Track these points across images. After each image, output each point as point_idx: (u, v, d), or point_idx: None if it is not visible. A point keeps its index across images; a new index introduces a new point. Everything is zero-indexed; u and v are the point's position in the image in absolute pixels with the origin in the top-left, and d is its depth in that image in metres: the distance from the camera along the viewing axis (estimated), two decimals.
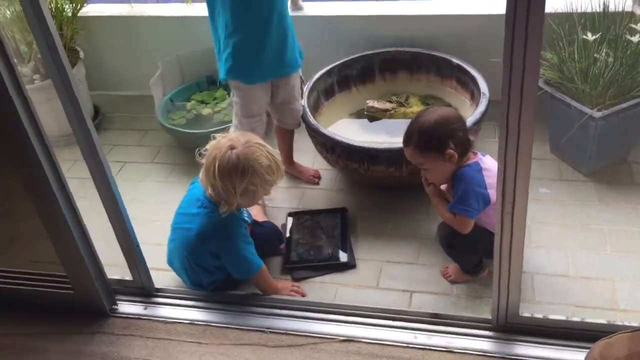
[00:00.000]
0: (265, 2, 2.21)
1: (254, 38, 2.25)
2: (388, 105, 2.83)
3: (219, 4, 2.23)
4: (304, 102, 2.63)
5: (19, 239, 2.29)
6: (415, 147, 2.02)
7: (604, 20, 2.51)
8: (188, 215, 2.13)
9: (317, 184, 2.71)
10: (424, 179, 2.10)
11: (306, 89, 2.72)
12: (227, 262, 2.10)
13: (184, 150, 3.00)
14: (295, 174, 2.73)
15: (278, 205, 2.61)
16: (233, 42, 2.26)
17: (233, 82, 2.37)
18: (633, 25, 2.40)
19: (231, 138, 2.01)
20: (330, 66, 2.87)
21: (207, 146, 2.04)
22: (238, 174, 1.94)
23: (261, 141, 2.03)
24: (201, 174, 2.06)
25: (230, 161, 1.95)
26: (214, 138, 2.07)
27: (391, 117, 2.80)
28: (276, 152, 2.05)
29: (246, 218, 2.15)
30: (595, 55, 2.39)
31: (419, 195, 2.25)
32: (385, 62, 2.95)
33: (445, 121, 2.00)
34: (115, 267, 2.17)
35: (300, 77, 2.53)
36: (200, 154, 2.05)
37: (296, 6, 3.10)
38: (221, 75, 2.36)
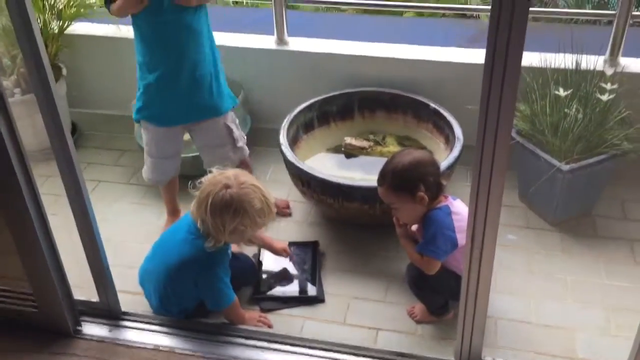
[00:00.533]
0: (174, 47, 2.27)
1: (161, 82, 2.31)
2: (365, 144, 2.89)
3: (137, 42, 2.33)
4: (282, 135, 2.67)
5: None
6: (387, 187, 2.08)
7: (575, 77, 2.62)
8: (174, 239, 2.13)
9: (290, 215, 2.72)
10: (396, 219, 2.15)
11: (286, 122, 2.76)
12: (203, 292, 2.10)
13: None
14: None
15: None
16: (144, 84, 2.35)
17: (143, 123, 2.45)
18: (603, 85, 2.51)
19: (228, 176, 2.02)
20: (311, 101, 2.92)
21: (203, 179, 2.06)
22: (230, 214, 1.96)
23: (257, 183, 2.05)
24: (192, 207, 2.07)
25: (224, 200, 1.97)
26: (211, 172, 2.08)
27: (368, 155, 2.86)
28: (270, 195, 2.07)
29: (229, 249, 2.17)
30: (566, 110, 2.49)
31: (390, 234, 2.29)
32: (365, 100, 3.02)
33: (419, 164, 2.06)
34: (82, 288, 2.14)
35: (227, 126, 2.47)
36: (194, 186, 2.07)
37: (282, 41, 3.17)
38: (134, 115, 2.45)
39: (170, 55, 2.28)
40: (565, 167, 2.41)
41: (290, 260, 2.43)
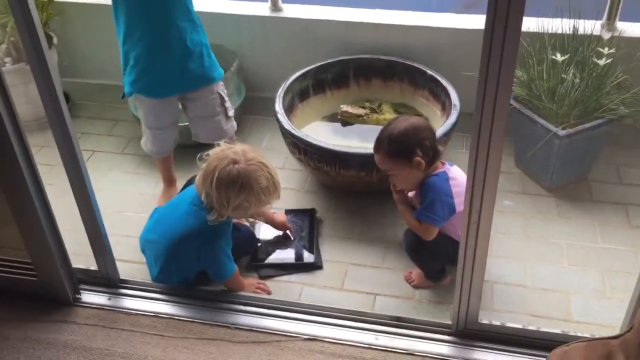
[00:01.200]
0: (161, 13, 2.21)
1: (152, 52, 2.26)
2: (361, 111, 2.87)
3: (119, 11, 2.25)
4: (278, 103, 2.65)
5: None
6: (384, 153, 2.08)
7: (573, 42, 2.60)
8: (178, 210, 2.12)
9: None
10: (393, 186, 2.15)
11: (281, 90, 2.74)
12: (205, 263, 2.10)
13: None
14: None
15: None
16: (134, 55, 2.28)
17: (137, 96, 2.40)
18: (600, 49, 2.50)
19: (236, 152, 2.00)
20: (306, 69, 2.90)
21: (210, 152, 2.04)
22: (235, 190, 1.96)
23: (264, 160, 2.03)
24: (198, 179, 2.06)
25: (230, 175, 1.95)
26: (218, 145, 2.07)
27: (364, 122, 2.85)
28: (276, 174, 2.06)
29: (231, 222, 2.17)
30: (563, 75, 2.48)
31: (387, 201, 2.30)
32: (361, 68, 3.00)
33: (415, 130, 2.05)
34: (80, 256, 2.15)
35: (220, 95, 2.45)
36: (200, 158, 2.05)
37: (276, 7, 3.12)
38: (125, 89, 2.39)
39: (157, 22, 2.22)
40: (562, 132, 2.41)
41: (289, 232, 2.44)
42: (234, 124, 2.55)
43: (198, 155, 2.09)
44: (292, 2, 3.20)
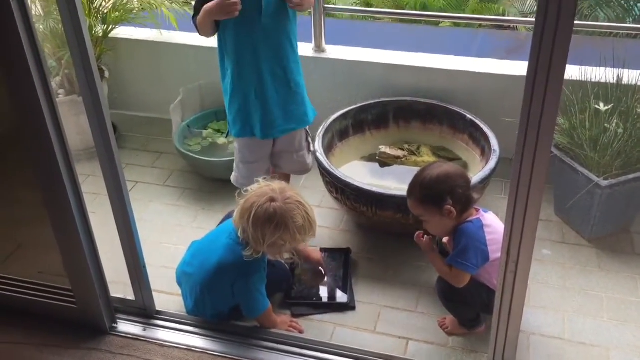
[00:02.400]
0: (274, 55, 2.24)
1: (261, 97, 2.29)
2: (400, 153, 2.89)
3: (226, 62, 2.30)
4: (317, 142, 2.69)
5: (27, 247, 2.33)
6: (416, 199, 2.09)
7: (616, 91, 2.58)
8: (216, 243, 2.15)
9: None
10: (417, 237, 2.15)
11: (322, 129, 2.78)
12: (239, 298, 2.12)
13: (196, 175, 3.06)
14: None
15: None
16: (240, 99, 2.31)
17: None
18: None
19: (274, 189, 2.04)
20: (347, 109, 2.94)
21: (249, 188, 2.09)
22: (271, 227, 1.98)
23: (301, 199, 2.06)
24: (235, 214, 2.10)
25: (267, 213, 1.98)
26: (257, 182, 2.11)
27: (402, 164, 2.86)
28: (312, 213, 2.08)
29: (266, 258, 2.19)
30: (606, 125, 2.45)
31: None
32: (401, 110, 3.03)
33: (447, 178, 2.05)
34: (118, 285, 2.19)
35: (306, 131, 2.50)
36: (239, 194, 2.10)
37: (319, 48, 3.19)
38: (231, 130, 2.42)
39: (267, 63, 2.24)
40: (604, 183, 2.38)
41: (324, 270, 2.44)
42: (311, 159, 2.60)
43: (237, 191, 2.13)
44: (335, 43, 3.27)
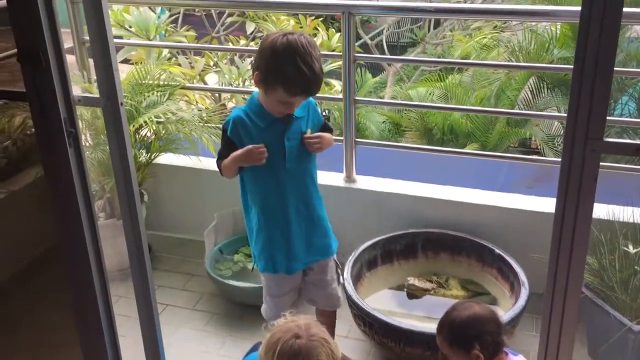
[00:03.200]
0: (297, 194, 2.33)
1: (277, 233, 2.34)
2: (428, 285, 2.89)
3: (250, 201, 2.38)
4: (346, 271, 2.71)
5: None
6: (443, 339, 2.08)
7: None
8: None
9: None
10: None
11: (351, 258, 2.82)
12: None
13: (225, 300, 3.08)
14: None
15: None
16: (265, 236, 2.36)
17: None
18: None
19: (299, 325, 2.05)
20: (376, 239, 2.99)
21: (275, 322, 2.11)
22: None
23: (326, 336, 2.06)
24: (261, 350, 2.10)
25: (292, 350, 1.98)
26: (284, 316, 2.13)
27: (430, 296, 2.85)
28: (338, 350, 2.07)
29: None
30: (636, 267, 2.44)
31: None
32: (429, 241, 3.06)
33: (476, 322, 2.04)
34: None
35: (335, 261, 2.52)
36: (265, 328, 2.11)
37: (350, 179, 3.30)
38: (259, 267, 2.44)
39: (292, 202, 2.32)
40: (637, 327, 2.32)
41: None
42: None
43: (263, 325, 2.13)
44: (365, 170, 3.38)
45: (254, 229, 2.40)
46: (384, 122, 8.41)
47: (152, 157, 3.29)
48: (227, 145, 2.30)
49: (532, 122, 7.64)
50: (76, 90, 1.74)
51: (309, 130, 2.30)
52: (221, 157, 2.33)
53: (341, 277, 2.58)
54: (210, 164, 3.54)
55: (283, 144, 2.26)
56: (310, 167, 2.38)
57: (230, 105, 5.67)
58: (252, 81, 2.26)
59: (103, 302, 1.94)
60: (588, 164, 1.32)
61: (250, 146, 2.22)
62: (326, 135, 2.36)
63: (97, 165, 3.01)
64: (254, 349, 2.29)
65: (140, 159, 3.21)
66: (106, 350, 1.95)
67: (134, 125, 3.06)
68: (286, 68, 2.13)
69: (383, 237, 3.02)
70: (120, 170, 1.80)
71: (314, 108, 2.38)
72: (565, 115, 1.36)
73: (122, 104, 1.71)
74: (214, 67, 5.30)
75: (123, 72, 3.61)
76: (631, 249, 2.46)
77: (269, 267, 2.40)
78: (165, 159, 3.55)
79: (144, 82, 3.32)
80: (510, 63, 7.72)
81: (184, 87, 3.72)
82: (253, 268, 2.50)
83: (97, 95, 1.71)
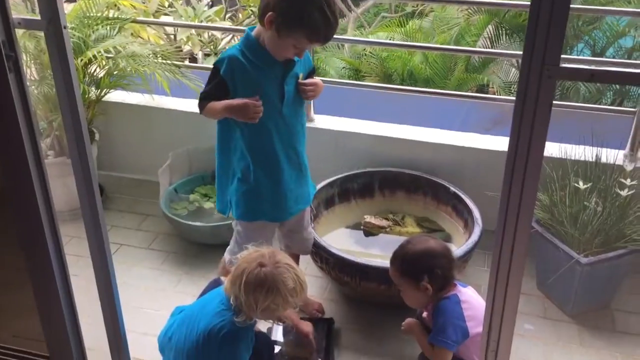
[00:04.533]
0: (288, 141, 2.24)
1: (266, 180, 2.26)
2: (384, 223, 2.92)
3: (238, 143, 2.24)
4: None
5: (4, 310, 2.28)
6: (395, 269, 2.13)
7: (595, 170, 2.66)
8: (205, 310, 2.13)
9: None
10: (403, 328, 2.17)
11: None
12: None
13: (181, 239, 3.05)
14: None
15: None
16: (246, 185, 2.26)
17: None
18: (622, 180, 2.54)
19: (263, 254, 2.05)
20: (333, 178, 2.99)
21: (239, 255, 2.10)
22: (263, 292, 1.98)
23: (291, 262, 2.07)
24: (227, 282, 2.09)
25: (258, 278, 1.99)
26: (246, 249, 2.12)
27: (386, 233, 2.89)
28: (303, 275, 2.08)
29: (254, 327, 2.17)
30: (585, 202, 2.51)
31: (407, 316, 2.28)
32: (386, 180, 3.08)
33: (429, 256, 2.08)
34: (95, 352, 2.14)
35: (310, 206, 2.51)
36: (230, 262, 2.10)
37: (308, 118, 3.25)
38: (235, 214, 2.35)
39: (285, 149, 2.24)
40: (584, 260, 2.41)
41: (312, 344, 2.38)
42: None
43: (227, 259, 2.13)
44: (324, 110, 3.34)
45: (236, 173, 2.28)
46: (343, 67, 8.34)
47: (102, 93, 3.18)
48: (218, 86, 2.13)
49: (489, 68, 7.71)
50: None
51: (300, 75, 2.21)
52: (208, 97, 2.15)
53: (311, 221, 2.55)
54: (163, 102, 3.45)
55: (282, 88, 2.15)
56: (302, 112, 2.30)
57: (186, 48, 5.49)
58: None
59: (53, 242, 1.89)
60: (543, 90, 1.31)
61: (247, 100, 2.07)
62: (319, 82, 2.27)
63: (43, 101, 2.88)
64: (212, 284, 2.29)
65: (90, 95, 3.09)
66: (57, 290, 1.92)
67: (82, 59, 2.93)
68: (313, 14, 1.98)
69: (340, 176, 3.02)
70: (67, 102, 1.71)
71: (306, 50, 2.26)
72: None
73: (65, 27, 1.61)
74: (169, 7, 5.10)
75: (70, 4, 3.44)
76: (581, 185, 2.52)
77: (249, 215, 2.32)
78: (117, 96, 3.43)
79: (91, 14, 3.16)
80: None
81: (134, 21, 3.56)
82: (228, 215, 2.39)
83: (39, 18, 1.61)
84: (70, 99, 1.72)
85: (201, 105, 2.18)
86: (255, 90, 2.12)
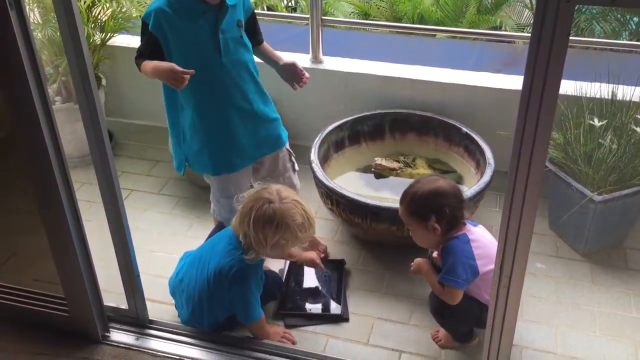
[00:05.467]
0: (236, 88, 2.19)
1: (216, 132, 2.22)
2: (395, 165, 2.90)
3: (181, 99, 2.21)
4: (313, 152, 2.69)
5: (21, 255, 2.32)
6: (405, 209, 2.12)
7: (611, 107, 2.60)
8: (214, 250, 2.16)
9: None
10: (412, 268, 2.17)
11: (317, 140, 2.79)
12: (235, 304, 2.12)
13: (192, 185, 3.06)
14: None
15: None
16: (204, 135, 2.22)
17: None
18: (638, 116, 2.49)
19: (270, 192, 2.06)
20: (343, 120, 2.95)
21: (245, 194, 2.10)
22: (272, 228, 2.00)
23: (298, 198, 2.08)
24: (235, 220, 2.10)
25: (266, 214, 2.00)
26: (252, 187, 2.12)
27: (397, 176, 2.87)
28: (311, 210, 2.09)
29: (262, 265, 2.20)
30: (600, 140, 2.47)
31: (417, 256, 2.29)
32: (397, 122, 3.04)
33: (438, 195, 2.06)
34: (111, 294, 2.19)
35: (288, 150, 2.47)
36: (237, 200, 2.11)
37: (317, 59, 3.21)
38: (197, 169, 2.34)
39: (232, 99, 2.20)
40: (598, 198, 2.39)
41: (321, 271, 2.42)
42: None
43: (235, 197, 2.14)
44: (331, 53, 3.28)
45: (186, 130, 2.25)
46: (352, 12, 8.15)
47: (107, 37, 3.12)
48: (149, 43, 2.08)
49: (502, 10, 7.51)
50: None
51: (241, 22, 2.12)
52: (141, 55, 2.11)
53: (295, 165, 2.52)
54: None
55: (217, 38, 2.09)
56: (248, 59, 2.22)
57: None
58: None
59: (64, 188, 1.90)
60: (561, 16, 1.26)
61: (173, 67, 1.99)
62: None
63: (48, 45, 2.84)
64: (217, 229, 2.30)
65: (95, 39, 3.04)
66: (70, 234, 1.93)
67: (85, 2, 2.87)
68: None
69: (350, 118, 2.98)
70: (71, 44, 1.68)
71: None
72: None
73: None
74: None
75: None
76: (596, 122, 2.47)
77: (209, 169, 2.30)
78: (122, 40, 3.37)
79: None
80: None
81: None
82: (183, 173, 2.37)
83: None
84: (75, 41, 1.69)
85: (137, 64, 2.13)
86: (188, 42, 2.06)
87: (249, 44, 2.23)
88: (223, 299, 2.11)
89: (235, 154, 2.30)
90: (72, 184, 1.92)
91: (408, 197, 2.09)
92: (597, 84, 2.66)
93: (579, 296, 2.41)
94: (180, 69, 1.99)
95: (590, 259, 2.58)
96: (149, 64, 2.07)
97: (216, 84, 2.17)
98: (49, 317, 2.15)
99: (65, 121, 2.78)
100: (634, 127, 2.46)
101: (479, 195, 2.47)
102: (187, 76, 1.99)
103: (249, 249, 2.05)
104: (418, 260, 2.18)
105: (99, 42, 3.10)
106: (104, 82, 3.23)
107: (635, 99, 2.63)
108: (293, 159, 2.51)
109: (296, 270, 2.52)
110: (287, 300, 2.38)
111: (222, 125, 2.23)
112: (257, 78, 2.29)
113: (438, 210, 2.03)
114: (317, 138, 2.80)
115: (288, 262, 2.54)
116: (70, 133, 2.83)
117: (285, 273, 2.50)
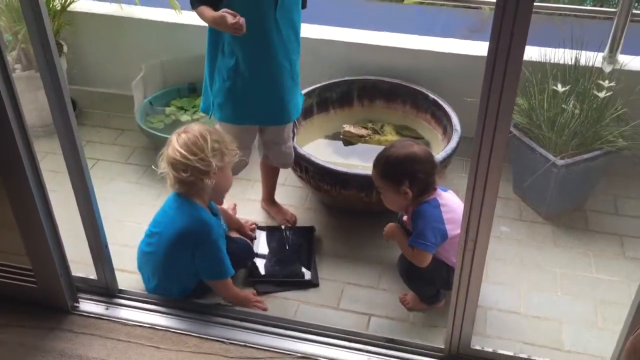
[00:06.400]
0: (263, 56, 2.19)
1: (253, 87, 2.23)
2: (363, 132, 2.91)
3: (226, 46, 2.20)
4: None
5: None
6: (377, 172, 2.14)
7: (574, 73, 2.64)
8: (167, 216, 2.15)
9: (254, 238, 2.58)
10: (384, 231, 2.21)
11: None
12: (201, 261, 2.11)
13: (159, 153, 3.02)
14: (272, 213, 2.67)
15: (248, 218, 2.65)
16: (230, 89, 2.23)
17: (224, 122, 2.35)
18: (600, 82, 2.54)
19: (178, 131, 2.12)
20: (311, 87, 2.94)
21: (157, 157, 2.12)
22: (200, 140, 2.05)
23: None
24: (169, 178, 2.11)
25: (188, 137, 2.06)
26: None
27: (366, 142, 2.88)
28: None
29: (223, 226, 2.20)
30: (563, 106, 2.52)
31: (386, 222, 2.32)
32: (365, 89, 3.04)
33: (412, 161, 2.08)
34: (80, 265, 2.17)
35: (293, 122, 2.49)
36: (156, 165, 2.12)
37: None
38: (216, 115, 2.34)
39: (276, 57, 2.19)
40: (560, 162, 2.44)
41: (252, 240, 2.50)
42: None
43: (152, 165, 2.16)
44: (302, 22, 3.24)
45: (223, 75, 2.24)
46: None
47: (68, 2, 3.03)
48: None
49: None
50: None
51: None
52: (198, 0, 2.11)
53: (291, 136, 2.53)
54: (132, 11, 3.31)
55: None
56: (297, 21, 2.23)
57: None
58: None
59: (27, 158, 1.86)
60: (522, 7, 1.28)
61: (224, 13, 2.00)
62: None
63: (6, 11, 2.74)
64: None
65: (55, 5, 2.95)
66: (36, 205, 1.91)
67: None
68: None
69: (318, 85, 2.97)
70: (30, 10, 1.63)
71: None
72: None
73: None
74: None
75: None
76: (560, 88, 2.52)
77: (233, 118, 2.31)
78: (83, 5, 3.28)
79: None
80: None
81: None
82: (211, 115, 2.39)
83: None
84: (34, 7, 1.64)
85: (193, 6, 2.14)
86: None
87: (300, 5, 2.23)
88: (187, 261, 2.11)
89: (264, 110, 2.31)
90: (36, 153, 1.89)
91: (382, 161, 2.11)
92: (561, 50, 2.70)
93: (542, 258, 2.48)
94: (230, 20, 1.99)
95: (553, 222, 2.65)
96: (207, 13, 2.08)
97: (267, 38, 2.16)
98: (16, 289, 2.13)
99: (26, 90, 2.70)
100: (596, 93, 2.51)
101: (445, 161, 2.50)
102: (242, 21, 2.01)
103: (194, 194, 2.08)
104: (390, 225, 2.21)
105: (59, 8, 3.01)
106: (65, 49, 3.14)
107: (597, 64, 2.67)
108: (295, 129, 2.50)
109: (267, 236, 2.54)
110: (257, 267, 2.40)
111: (264, 79, 2.23)
112: (299, 40, 2.29)
113: (411, 175, 2.06)
114: None
115: (257, 230, 2.56)
116: (32, 102, 2.76)
117: (256, 239, 2.52)
